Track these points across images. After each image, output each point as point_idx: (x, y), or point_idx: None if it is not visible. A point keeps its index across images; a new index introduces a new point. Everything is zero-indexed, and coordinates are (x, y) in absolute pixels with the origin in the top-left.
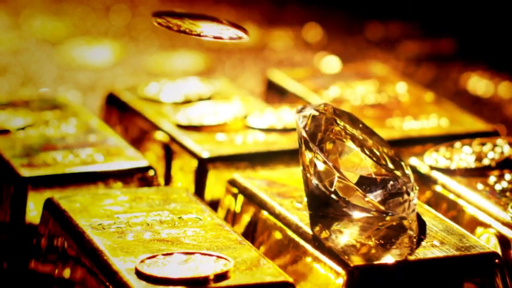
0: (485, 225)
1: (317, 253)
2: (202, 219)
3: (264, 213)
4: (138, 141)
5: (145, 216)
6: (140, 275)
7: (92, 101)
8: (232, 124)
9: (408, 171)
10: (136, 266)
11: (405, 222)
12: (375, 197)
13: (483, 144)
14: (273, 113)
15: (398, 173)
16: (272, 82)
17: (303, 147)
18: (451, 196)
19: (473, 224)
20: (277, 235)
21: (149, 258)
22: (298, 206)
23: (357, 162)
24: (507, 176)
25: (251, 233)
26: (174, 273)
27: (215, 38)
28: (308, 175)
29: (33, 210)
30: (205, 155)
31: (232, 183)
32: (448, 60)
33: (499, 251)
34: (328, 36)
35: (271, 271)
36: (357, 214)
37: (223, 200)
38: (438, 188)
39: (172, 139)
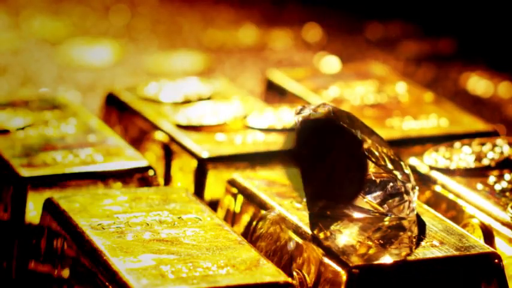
0: (485, 225)
1: (317, 253)
2: (202, 219)
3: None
4: (138, 141)
5: (144, 216)
6: None
7: (92, 101)
8: (232, 124)
9: (408, 171)
10: None
11: (405, 223)
12: (374, 199)
13: (483, 144)
14: (272, 113)
15: (397, 173)
16: (272, 82)
17: None
18: (451, 196)
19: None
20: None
21: None
22: (298, 206)
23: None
24: (507, 176)
25: (251, 233)
26: None
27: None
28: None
29: (33, 210)
30: (204, 155)
31: (232, 183)
32: (448, 60)
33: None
34: (327, 36)
35: (270, 271)
36: (357, 215)
37: (223, 200)
38: (438, 188)
39: (172, 139)
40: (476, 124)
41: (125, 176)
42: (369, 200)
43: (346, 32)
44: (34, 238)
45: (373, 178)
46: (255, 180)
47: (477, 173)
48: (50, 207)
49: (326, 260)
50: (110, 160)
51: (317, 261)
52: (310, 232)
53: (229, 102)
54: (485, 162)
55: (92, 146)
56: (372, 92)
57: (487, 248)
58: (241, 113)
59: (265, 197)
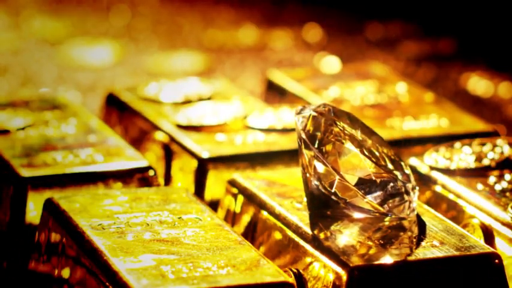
0: (485, 225)
1: (317, 253)
2: (202, 220)
3: (264, 214)
4: (138, 141)
5: (145, 216)
6: None
7: (92, 101)
8: (232, 124)
9: (408, 171)
10: None
11: (405, 223)
12: (374, 199)
13: (483, 144)
14: (272, 113)
15: (397, 173)
16: (272, 82)
17: (303, 149)
18: (451, 196)
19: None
20: (277, 235)
21: None
22: (298, 206)
23: (356, 164)
24: (507, 176)
25: (251, 233)
26: None
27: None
28: (308, 175)
29: (33, 210)
30: (205, 155)
31: (232, 183)
32: (448, 60)
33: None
34: (328, 36)
35: (271, 271)
36: (357, 215)
37: (223, 200)
38: (438, 188)
39: (172, 139)
40: (477, 124)
41: (125, 176)
42: (369, 200)
43: (346, 32)
44: (34, 238)
45: (374, 178)
46: (255, 180)
47: (477, 173)
48: (50, 207)
49: (326, 260)
50: (110, 160)
51: (317, 262)
52: (310, 232)
53: (230, 103)
54: (486, 162)
55: (92, 146)
56: (372, 92)
57: (487, 248)
58: (242, 113)
59: (265, 197)
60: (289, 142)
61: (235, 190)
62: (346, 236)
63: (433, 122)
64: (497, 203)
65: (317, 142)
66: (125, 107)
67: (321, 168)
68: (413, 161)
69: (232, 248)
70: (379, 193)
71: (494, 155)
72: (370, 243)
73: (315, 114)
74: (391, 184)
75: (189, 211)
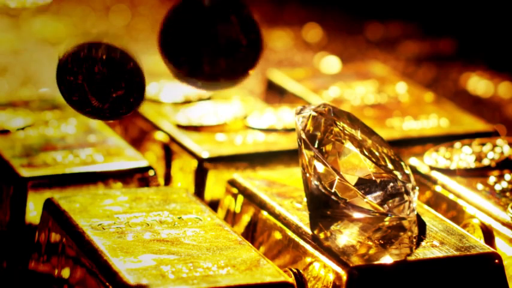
0: (485, 226)
1: (317, 253)
2: (202, 220)
3: (264, 214)
4: (138, 141)
5: (145, 216)
6: None
7: None
8: (232, 124)
9: (408, 171)
10: None
11: (405, 223)
12: (374, 199)
13: (483, 144)
14: (273, 113)
15: (397, 173)
16: (272, 82)
17: (303, 149)
18: (451, 196)
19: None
20: (277, 235)
21: None
22: (298, 206)
23: (356, 164)
24: (507, 176)
25: (251, 233)
26: None
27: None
28: (308, 175)
29: (33, 210)
30: (205, 155)
31: (232, 183)
32: (448, 60)
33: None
34: (328, 36)
35: (271, 271)
36: (357, 215)
37: (223, 200)
38: (438, 188)
39: (172, 139)
40: (477, 124)
41: (125, 176)
42: (369, 200)
43: (346, 32)
44: (34, 238)
45: (374, 178)
46: (255, 180)
47: (477, 173)
48: (50, 207)
49: (326, 260)
50: (110, 160)
51: (317, 261)
52: (310, 232)
53: (230, 102)
54: (486, 162)
55: (92, 146)
56: (372, 92)
57: (487, 248)
58: (242, 113)
59: (265, 197)
60: (289, 142)
61: (235, 190)
62: (346, 236)
63: (433, 122)
64: (497, 203)
65: (317, 142)
66: None
67: (321, 168)
68: (413, 161)
69: (232, 248)
70: (379, 193)
71: (494, 155)
72: (370, 243)
73: (315, 114)
74: (391, 184)
75: (189, 211)
